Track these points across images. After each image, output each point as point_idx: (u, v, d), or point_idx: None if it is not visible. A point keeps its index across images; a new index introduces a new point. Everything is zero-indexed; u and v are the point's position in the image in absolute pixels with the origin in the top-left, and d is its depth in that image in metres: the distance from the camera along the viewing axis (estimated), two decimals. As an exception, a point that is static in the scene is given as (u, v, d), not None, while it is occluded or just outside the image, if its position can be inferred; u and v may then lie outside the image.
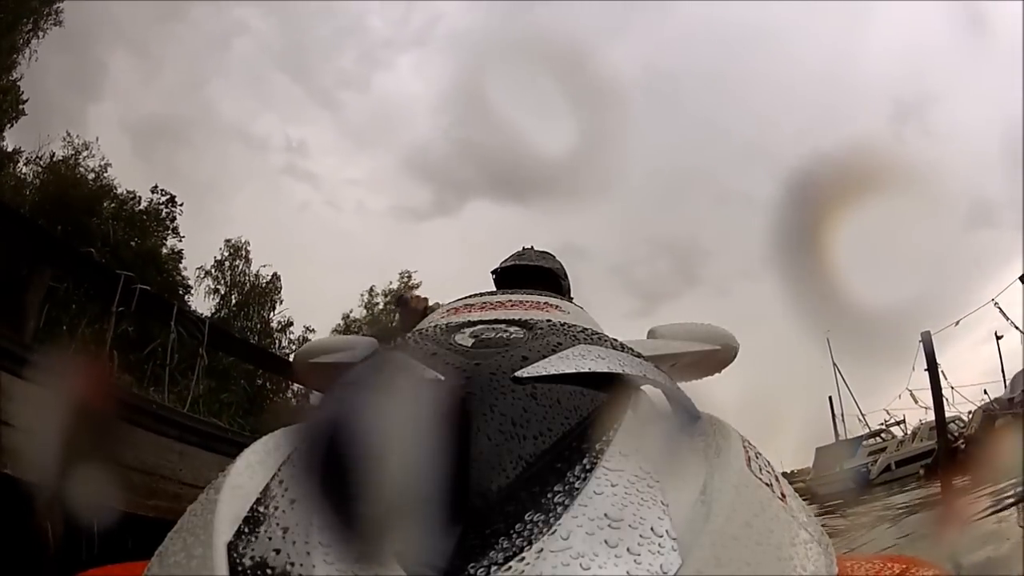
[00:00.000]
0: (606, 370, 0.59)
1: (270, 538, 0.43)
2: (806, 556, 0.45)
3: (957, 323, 11.82)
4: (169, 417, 4.01)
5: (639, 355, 0.69)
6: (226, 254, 15.42)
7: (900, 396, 15.16)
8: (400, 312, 1.49)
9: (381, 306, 17.56)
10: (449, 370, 0.55)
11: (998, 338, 13.86)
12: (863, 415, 19.70)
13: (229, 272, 15.36)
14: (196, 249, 14.23)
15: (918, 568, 0.53)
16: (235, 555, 0.42)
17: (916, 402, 14.52)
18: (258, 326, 14.79)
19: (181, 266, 13.84)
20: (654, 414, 0.58)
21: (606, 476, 0.46)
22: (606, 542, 0.40)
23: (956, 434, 11.91)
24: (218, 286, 15.12)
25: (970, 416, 12.22)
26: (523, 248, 1.38)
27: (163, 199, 13.50)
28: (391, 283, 17.66)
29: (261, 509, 0.46)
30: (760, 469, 0.51)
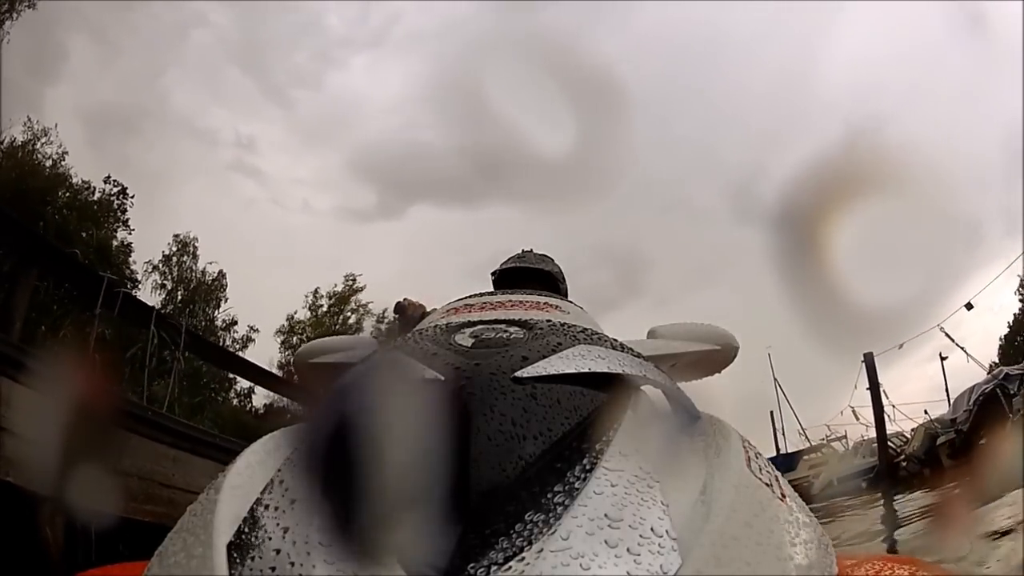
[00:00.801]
0: (606, 370, 0.59)
1: (270, 538, 0.43)
2: (806, 556, 0.45)
3: (901, 346, 12.18)
4: (164, 424, 4.10)
5: (639, 355, 0.69)
6: (174, 249, 15.38)
7: (842, 413, 15.40)
8: (398, 319, 1.51)
9: (325, 308, 17.71)
10: (449, 370, 0.55)
11: (943, 359, 14.43)
12: (804, 429, 20.02)
13: (176, 268, 15.33)
14: (142, 242, 14.13)
15: (918, 568, 0.53)
16: (235, 555, 0.42)
17: (857, 419, 14.94)
18: (203, 324, 14.64)
19: (131, 259, 13.78)
20: (654, 414, 0.58)
21: (606, 476, 0.46)
22: (606, 542, 0.40)
23: (898, 449, 12.29)
24: (165, 281, 15.09)
25: (912, 433, 12.58)
26: (522, 251, 1.39)
27: (115, 190, 13.44)
28: (336, 285, 17.90)
29: (261, 509, 0.46)
30: (760, 469, 0.51)
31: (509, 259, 1.35)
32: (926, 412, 13.34)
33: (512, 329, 0.69)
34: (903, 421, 13.67)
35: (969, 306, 11.97)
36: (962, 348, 12.62)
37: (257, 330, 16.40)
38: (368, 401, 0.50)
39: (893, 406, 13.13)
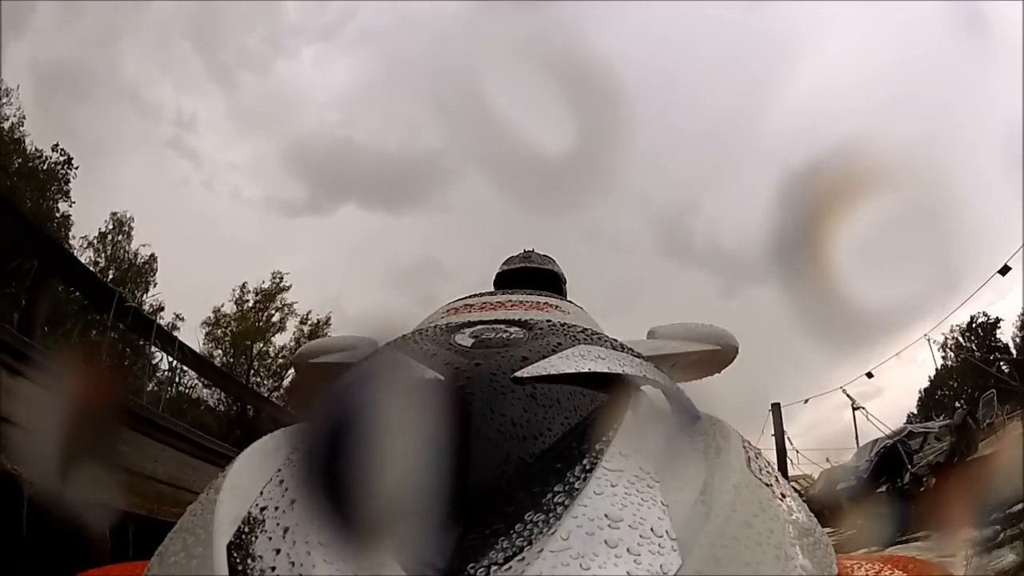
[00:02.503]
0: (606, 370, 0.59)
1: (270, 538, 0.43)
2: (806, 556, 0.45)
3: (806, 401, 13.25)
4: (187, 436, 4.80)
5: (639, 355, 0.69)
6: (110, 227, 14.88)
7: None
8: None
9: (251, 304, 17.27)
10: (449, 370, 0.55)
11: (855, 409, 14.93)
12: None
13: (111, 247, 14.87)
14: (79, 215, 13.77)
15: (918, 568, 0.53)
16: (235, 555, 0.42)
17: (761, 459, 15.43)
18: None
19: (70, 234, 13.39)
20: (654, 414, 0.58)
21: (606, 476, 0.46)
22: (606, 542, 0.40)
23: (802, 490, 13.03)
24: (98, 259, 14.54)
25: (818, 476, 13.24)
26: (524, 251, 1.39)
27: (62, 159, 13.03)
28: (263, 282, 17.38)
29: (261, 509, 0.46)
30: (760, 469, 0.51)
31: (512, 258, 1.35)
32: (828, 460, 14.03)
33: (512, 329, 0.69)
34: (806, 465, 14.26)
35: (870, 375, 12.68)
36: (862, 408, 13.09)
37: (183, 318, 15.88)
38: (368, 401, 0.50)
39: (797, 451, 13.78)
